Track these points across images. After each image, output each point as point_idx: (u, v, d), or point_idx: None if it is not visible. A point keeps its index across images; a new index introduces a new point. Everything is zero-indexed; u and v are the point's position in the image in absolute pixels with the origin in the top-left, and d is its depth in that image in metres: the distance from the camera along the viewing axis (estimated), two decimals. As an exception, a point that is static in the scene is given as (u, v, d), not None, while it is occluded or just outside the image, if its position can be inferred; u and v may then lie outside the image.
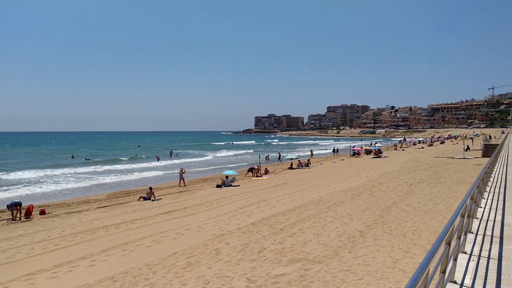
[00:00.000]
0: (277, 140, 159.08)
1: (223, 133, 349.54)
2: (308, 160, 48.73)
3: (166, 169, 49.07)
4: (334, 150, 72.07)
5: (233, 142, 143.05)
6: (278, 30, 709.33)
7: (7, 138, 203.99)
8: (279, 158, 60.49)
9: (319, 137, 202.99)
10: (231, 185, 29.54)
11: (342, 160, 51.27)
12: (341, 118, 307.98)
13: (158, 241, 12.81)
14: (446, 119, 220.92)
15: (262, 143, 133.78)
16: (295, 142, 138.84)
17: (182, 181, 32.37)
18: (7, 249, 13.41)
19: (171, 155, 75.13)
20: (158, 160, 62.24)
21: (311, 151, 70.78)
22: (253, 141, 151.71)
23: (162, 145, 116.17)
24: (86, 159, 67.76)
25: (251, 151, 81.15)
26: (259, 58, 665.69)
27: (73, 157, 70.46)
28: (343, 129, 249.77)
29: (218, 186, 29.37)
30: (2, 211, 21.33)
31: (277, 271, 8.69)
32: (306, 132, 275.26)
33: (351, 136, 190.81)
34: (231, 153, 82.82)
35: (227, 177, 30.72)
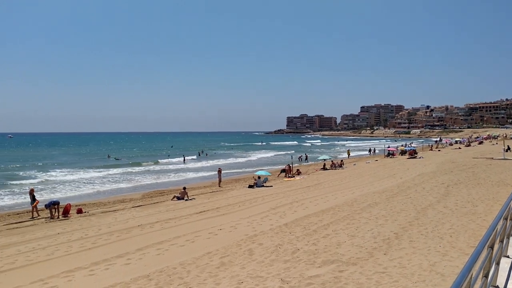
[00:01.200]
0: (319, 141, 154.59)
1: (256, 133, 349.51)
2: (341, 160, 48.23)
3: (199, 170, 49.59)
4: (370, 150, 71.20)
5: (272, 143, 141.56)
6: (309, 30, 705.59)
7: (32, 139, 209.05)
8: (306, 158, 60.21)
9: (352, 137, 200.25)
10: (263, 186, 29.56)
11: (376, 160, 50.53)
12: (375, 118, 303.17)
13: (192, 240, 12.94)
14: (485, 118, 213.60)
15: (303, 144, 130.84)
16: (337, 143, 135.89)
17: (220, 180, 32.67)
18: (46, 246, 13.83)
19: (199, 154, 76.12)
20: (184, 160, 62.89)
21: (348, 151, 70.03)
22: (295, 142, 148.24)
23: (194, 145, 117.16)
24: (116, 158, 69.93)
25: (292, 151, 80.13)
26: (290, 58, 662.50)
27: (108, 157, 72.01)
28: (377, 129, 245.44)
29: (250, 186, 29.45)
30: (41, 210, 21.98)
31: (311, 272, 8.63)
32: (339, 132, 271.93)
33: (385, 136, 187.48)
34: (270, 154, 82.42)
35: (259, 177, 30.76)
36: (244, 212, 18.01)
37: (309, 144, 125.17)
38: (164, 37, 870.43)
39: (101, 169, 49.09)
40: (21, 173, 46.13)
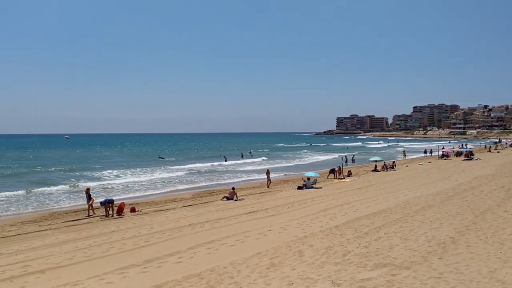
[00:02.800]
0: (383, 143, 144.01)
1: (306, 134, 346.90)
2: (393, 162, 47.08)
3: (249, 171, 49.89)
4: (426, 151, 69.22)
5: (333, 144, 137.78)
6: (356, 28, 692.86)
7: (87, 140, 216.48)
8: (352, 160, 59.15)
9: (404, 138, 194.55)
10: (312, 187, 29.34)
11: (430, 162, 48.95)
12: (428, 119, 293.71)
13: (242, 240, 13.01)
14: None
15: (367, 145, 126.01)
16: (398, 144, 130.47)
17: (269, 181, 32.73)
18: (102, 243, 14.34)
19: (242, 156, 76.76)
20: (225, 160, 63.28)
21: (404, 152, 68.26)
22: (359, 143, 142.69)
23: (241, 146, 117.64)
24: (160, 157, 72.63)
25: (356, 152, 78.36)
26: (339, 57, 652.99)
27: (159, 157, 73.79)
28: (430, 130, 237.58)
29: (299, 187, 29.30)
30: (97, 208, 22.82)
31: (363, 275, 8.45)
32: (390, 133, 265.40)
33: (439, 137, 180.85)
34: (328, 156, 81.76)
35: (308, 178, 30.55)
36: (293, 214, 17.93)
37: (372, 146, 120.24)
38: (219, 40, 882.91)
39: (152, 169, 50.49)
40: (77, 173, 48.20)
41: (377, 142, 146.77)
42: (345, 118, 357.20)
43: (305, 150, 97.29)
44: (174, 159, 71.75)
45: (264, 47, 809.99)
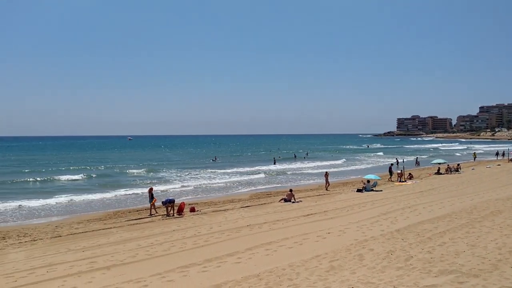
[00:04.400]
0: (459, 144, 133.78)
1: (366, 136, 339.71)
2: (458, 164, 45.10)
3: (304, 173, 49.60)
4: (497, 153, 65.98)
5: (407, 146, 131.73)
6: (416, 27, 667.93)
7: (149, 141, 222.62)
8: (416, 162, 57.15)
9: (469, 140, 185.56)
10: (372, 190, 28.68)
11: (499, 165, 46.45)
12: (497, 119, 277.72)
13: (300, 243, 12.92)
14: None
15: (441, 147, 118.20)
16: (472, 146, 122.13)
17: (327, 184, 32.38)
18: (163, 242, 14.73)
19: (295, 156, 76.38)
20: (274, 163, 62.82)
21: (474, 154, 65.25)
22: (432, 145, 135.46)
23: (297, 147, 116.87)
24: (212, 159, 73.77)
25: (424, 156, 74.90)
26: (399, 56, 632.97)
27: (216, 158, 74.82)
28: (498, 131, 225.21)
29: (358, 190, 28.73)
30: (158, 207, 23.50)
31: (427, 282, 8.11)
32: (454, 134, 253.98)
33: (509, 139, 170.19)
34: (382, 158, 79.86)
35: (368, 181, 29.89)
36: (353, 217, 17.59)
37: (446, 148, 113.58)
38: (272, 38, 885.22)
39: (209, 169, 51.48)
40: (135, 172, 50.20)
41: (450, 144, 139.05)
42: (406, 119, 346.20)
43: (380, 153, 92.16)
44: (226, 161, 72.61)
45: (320, 45, 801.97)
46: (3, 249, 15.51)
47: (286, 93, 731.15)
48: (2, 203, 26.76)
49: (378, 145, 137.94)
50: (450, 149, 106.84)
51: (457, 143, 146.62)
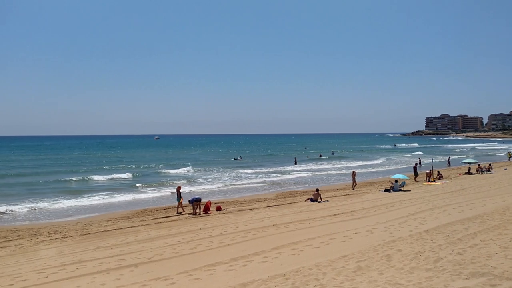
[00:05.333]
0: (498, 144, 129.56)
1: (390, 135, 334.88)
2: (490, 164, 43.98)
3: (329, 173, 49.24)
4: None
5: (444, 145, 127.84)
6: (447, 23, 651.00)
7: (175, 140, 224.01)
8: (448, 162, 55.91)
9: (501, 139, 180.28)
10: (400, 190, 28.24)
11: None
12: None
13: (327, 242, 12.81)
14: None
15: (478, 148, 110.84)
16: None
17: (354, 183, 32.04)
18: (189, 240, 14.83)
19: (320, 156, 76.10)
20: (295, 163, 62.31)
21: (509, 153, 63.28)
22: (470, 144, 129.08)
23: (326, 147, 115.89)
24: (235, 158, 74.77)
25: (455, 156, 71.90)
26: (427, 55, 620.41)
27: (235, 159, 74.91)
28: None
29: (386, 190, 28.33)
30: (185, 206, 23.69)
31: (457, 284, 7.93)
32: (486, 133, 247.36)
33: None
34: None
35: (396, 181, 29.43)
36: (380, 217, 17.34)
37: (484, 148, 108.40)
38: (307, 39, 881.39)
39: (235, 170, 51.71)
40: (163, 171, 50.83)
41: (488, 144, 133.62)
42: (435, 118, 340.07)
43: (419, 153, 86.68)
44: (251, 160, 72.69)
45: (348, 46, 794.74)
46: (35, 245, 15.91)
47: (316, 92, 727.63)
48: (34, 202, 27.48)
49: (416, 145, 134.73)
50: (489, 149, 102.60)
51: (496, 143, 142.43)
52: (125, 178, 43.92)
